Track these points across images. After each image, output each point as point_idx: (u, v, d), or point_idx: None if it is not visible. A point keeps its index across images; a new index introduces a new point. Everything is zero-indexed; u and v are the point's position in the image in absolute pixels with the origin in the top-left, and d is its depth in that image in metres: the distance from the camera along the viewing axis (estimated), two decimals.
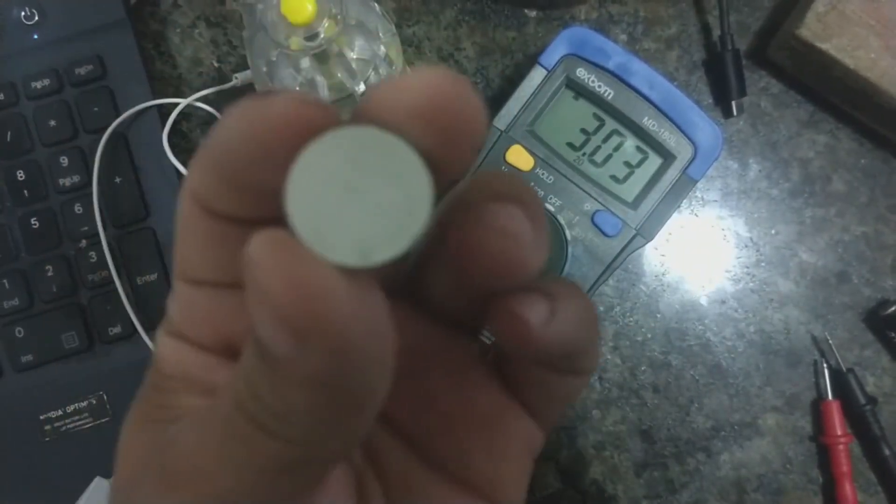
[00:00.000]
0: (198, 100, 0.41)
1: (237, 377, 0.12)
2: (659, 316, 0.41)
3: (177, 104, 0.40)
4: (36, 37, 0.41)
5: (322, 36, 0.31)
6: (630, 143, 0.36)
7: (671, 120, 0.35)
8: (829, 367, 0.39)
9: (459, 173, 0.12)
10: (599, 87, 0.35)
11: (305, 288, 0.10)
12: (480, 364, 0.17)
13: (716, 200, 0.41)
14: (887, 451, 0.38)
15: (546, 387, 0.16)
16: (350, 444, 0.13)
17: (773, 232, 0.41)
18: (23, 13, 0.41)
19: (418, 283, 0.17)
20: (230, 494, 0.12)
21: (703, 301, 0.41)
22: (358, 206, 0.10)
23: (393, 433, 0.17)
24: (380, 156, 0.11)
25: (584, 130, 0.36)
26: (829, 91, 0.40)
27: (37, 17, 0.41)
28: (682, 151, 0.35)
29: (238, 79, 0.40)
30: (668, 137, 0.35)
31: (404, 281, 0.17)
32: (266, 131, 0.11)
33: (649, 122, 0.35)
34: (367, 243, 0.10)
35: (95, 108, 0.40)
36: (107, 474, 0.37)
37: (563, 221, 0.35)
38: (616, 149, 0.36)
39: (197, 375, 0.15)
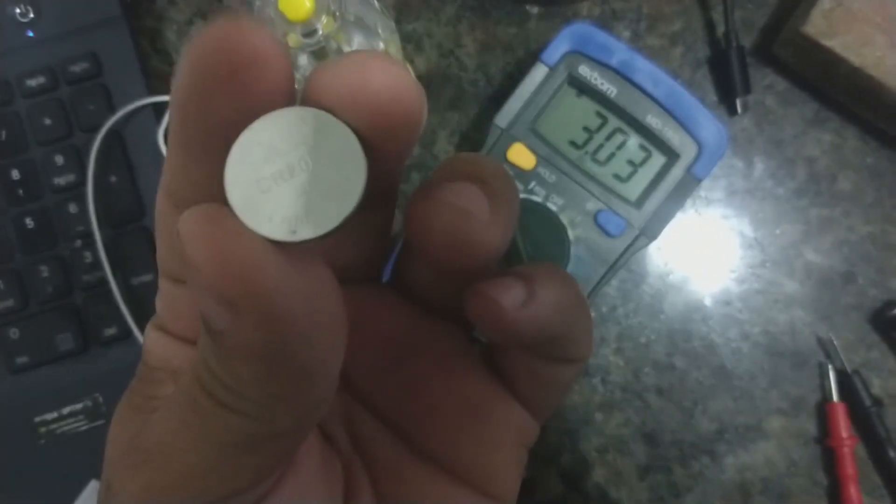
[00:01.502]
0: None
1: (197, 355, 0.12)
2: (663, 317, 0.40)
3: None
4: (31, 34, 0.41)
5: (320, 32, 0.31)
6: (633, 141, 0.35)
7: (675, 118, 0.35)
8: (835, 369, 0.39)
9: (401, 157, 0.13)
10: (602, 84, 0.35)
11: (232, 260, 0.10)
12: (470, 353, 0.17)
13: (720, 200, 0.41)
14: (893, 454, 0.38)
15: (535, 375, 0.16)
16: (306, 419, 0.13)
17: (778, 232, 0.40)
18: (17, 10, 0.40)
19: (402, 271, 0.17)
20: (194, 471, 0.12)
21: (708, 302, 0.40)
22: (293, 183, 0.11)
23: (381, 422, 0.17)
24: (320, 136, 0.11)
25: (586, 128, 0.36)
26: (835, 89, 0.40)
27: (32, 15, 0.41)
28: (687, 150, 0.35)
29: None
30: (672, 136, 0.35)
31: (392, 270, 0.17)
32: (211, 61, 0.11)
33: (653, 120, 0.35)
34: (298, 220, 0.11)
35: (91, 106, 0.40)
36: None
37: (565, 221, 0.35)
38: (619, 147, 0.36)
39: (180, 367, 0.15)
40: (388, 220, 0.16)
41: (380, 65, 0.11)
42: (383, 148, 0.12)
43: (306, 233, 0.11)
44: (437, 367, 0.17)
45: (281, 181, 0.11)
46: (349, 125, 0.11)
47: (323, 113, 0.11)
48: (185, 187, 0.13)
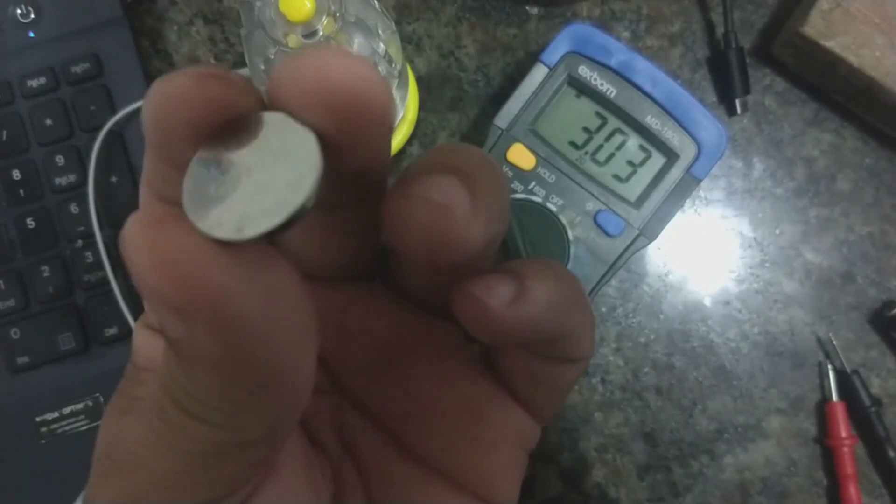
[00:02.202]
0: None
1: (162, 362, 0.12)
2: (662, 317, 0.40)
3: None
4: (32, 35, 0.41)
5: (320, 33, 0.31)
6: (633, 141, 0.36)
7: (674, 118, 0.35)
8: (834, 369, 0.39)
9: (376, 154, 0.12)
10: (602, 84, 0.35)
11: (176, 266, 0.10)
12: (466, 352, 0.16)
13: (720, 200, 0.41)
14: (892, 454, 0.38)
15: (535, 375, 0.15)
16: (276, 426, 0.12)
17: (777, 232, 0.40)
18: (19, 11, 0.40)
19: (392, 269, 0.16)
20: (164, 481, 0.12)
21: (707, 302, 0.40)
22: (246, 185, 0.11)
23: (373, 424, 0.17)
24: (277, 139, 0.11)
25: (586, 129, 0.36)
26: (834, 89, 0.40)
27: (33, 15, 0.41)
28: (686, 150, 0.35)
29: None
30: (672, 136, 0.35)
31: (384, 269, 0.17)
32: (169, 111, 0.11)
33: (652, 121, 0.35)
34: (246, 218, 0.10)
35: (92, 107, 0.40)
36: None
37: (565, 221, 0.35)
38: (619, 147, 0.36)
39: None
40: (377, 219, 0.15)
41: (337, 62, 0.11)
42: (349, 146, 0.11)
43: (252, 230, 0.10)
44: (431, 367, 0.16)
45: (237, 183, 0.11)
46: (308, 125, 0.11)
47: (282, 115, 0.11)
48: (163, 183, 0.13)
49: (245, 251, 0.10)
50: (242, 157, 0.11)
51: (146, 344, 0.15)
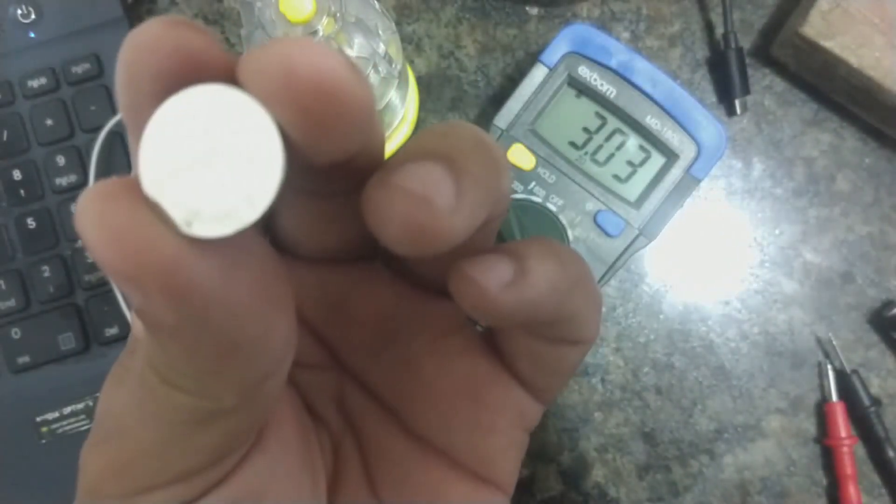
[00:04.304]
0: None
1: (144, 332, 0.12)
2: (662, 317, 0.40)
3: None
4: (32, 35, 0.41)
5: (321, 34, 0.31)
6: (633, 141, 0.36)
7: (674, 118, 0.35)
8: (834, 369, 0.39)
9: (345, 148, 0.11)
10: (602, 85, 0.35)
11: (126, 237, 0.09)
12: (467, 332, 0.16)
13: (719, 200, 0.41)
14: (892, 454, 0.38)
15: (537, 356, 0.15)
16: (252, 395, 0.12)
17: (777, 232, 0.40)
18: (19, 11, 0.40)
19: (390, 251, 0.16)
20: (151, 450, 0.12)
21: (707, 302, 0.40)
22: (203, 171, 0.10)
23: (374, 402, 0.17)
24: (241, 121, 0.10)
25: (586, 129, 0.36)
26: (834, 89, 0.40)
27: (33, 16, 0.41)
28: (686, 150, 0.35)
29: None
30: (672, 136, 0.35)
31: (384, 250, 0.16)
32: (139, 59, 0.10)
33: (652, 121, 0.35)
34: (196, 213, 0.10)
35: (92, 107, 0.40)
36: None
37: (564, 221, 0.35)
38: (618, 148, 0.36)
39: None
40: None
41: (305, 52, 0.10)
42: (320, 144, 0.11)
43: (199, 231, 0.10)
44: (431, 347, 0.16)
45: (195, 164, 0.10)
46: (275, 120, 0.10)
47: (249, 99, 0.10)
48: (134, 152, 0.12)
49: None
50: (203, 133, 0.10)
51: None
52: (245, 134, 0.10)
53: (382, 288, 0.16)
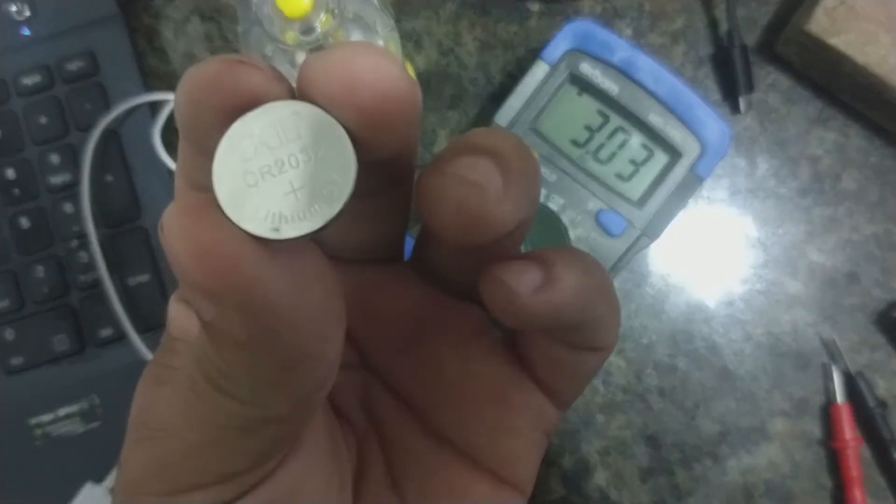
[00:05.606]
0: None
1: (197, 338, 0.12)
2: (665, 318, 0.40)
3: (170, 100, 0.39)
4: (27, 32, 0.40)
5: (318, 30, 0.30)
6: (635, 140, 0.35)
7: (678, 116, 0.34)
8: (839, 370, 0.38)
9: (406, 146, 0.12)
10: (604, 82, 0.35)
11: (212, 254, 0.10)
12: (490, 336, 0.17)
13: (723, 199, 0.40)
14: None
15: (557, 361, 0.16)
16: (302, 404, 0.13)
17: (781, 231, 0.40)
18: (14, 8, 0.40)
19: (422, 251, 0.17)
20: (195, 451, 0.13)
21: (710, 303, 0.40)
22: (281, 179, 0.11)
23: (397, 401, 0.17)
24: (311, 132, 0.11)
25: (588, 127, 0.35)
26: (839, 87, 0.39)
27: (28, 13, 0.40)
28: (689, 149, 0.34)
29: None
30: (675, 134, 0.34)
31: (413, 250, 0.17)
32: (200, 97, 0.11)
33: (655, 119, 0.34)
34: (282, 218, 0.11)
35: (87, 105, 0.39)
36: (98, 479, 0.36)
37: (566, 221, 0.35)
38: (621, 146, 0.35)
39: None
40: (406, 202, 0.16)
41: (367, 59, 0.11)
42: (377, 141, 0.11)
43: (289, 232, 0.11)
44: (455, 349, 0.17)
45: (269, 176, 0.11)
46: (340, 122, 0.11)
47: (316, 109, 0.11)
48: (196, 173, 0.13)
49: (277, 244, 0.11)
50: (276, 146, 0.11)
51: (180, 315, 0.16)
52: (314, 138, 0.11)
53: (410, 290, 0.17)
